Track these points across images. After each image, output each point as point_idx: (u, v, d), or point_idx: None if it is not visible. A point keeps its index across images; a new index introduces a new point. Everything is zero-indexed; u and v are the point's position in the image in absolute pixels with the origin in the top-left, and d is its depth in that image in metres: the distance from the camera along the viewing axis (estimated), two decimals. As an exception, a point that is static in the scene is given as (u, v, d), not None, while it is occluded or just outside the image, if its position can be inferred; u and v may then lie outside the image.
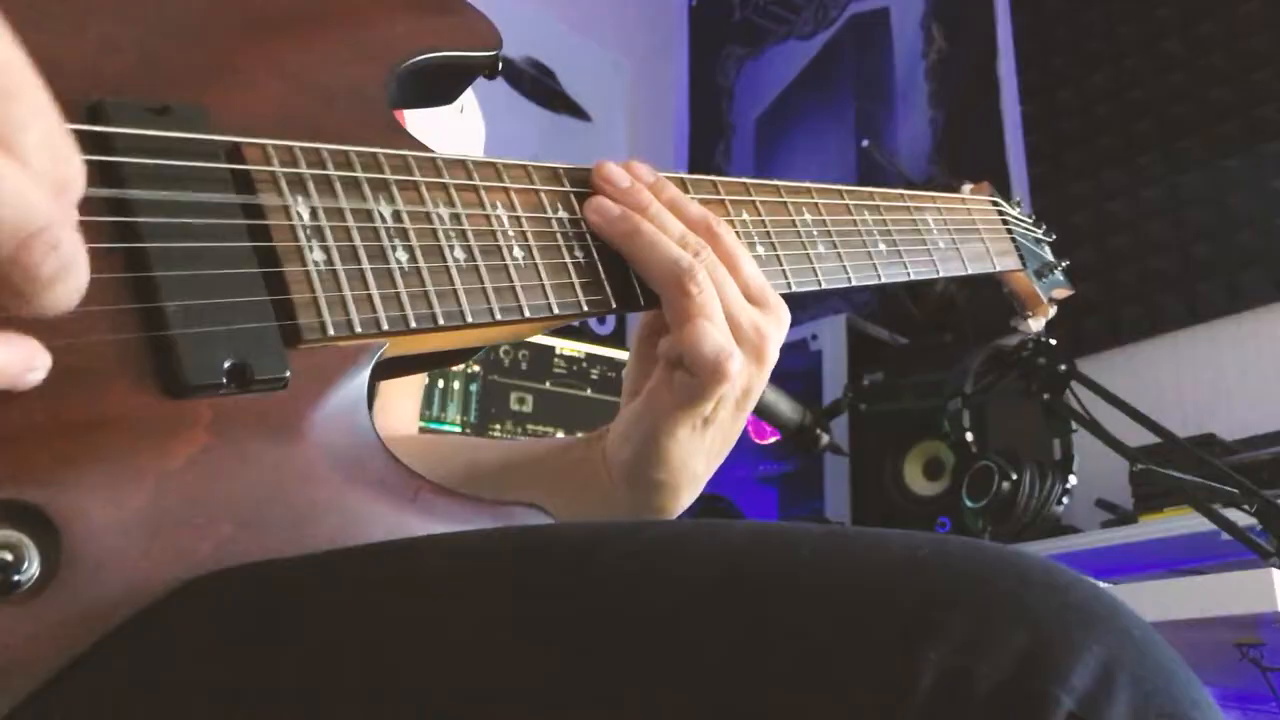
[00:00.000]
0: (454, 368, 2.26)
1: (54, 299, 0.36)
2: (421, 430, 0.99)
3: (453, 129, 0.85)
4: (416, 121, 0.75)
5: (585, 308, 0.61)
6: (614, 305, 0.62)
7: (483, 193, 0.58)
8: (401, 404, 0.89)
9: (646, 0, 3.63)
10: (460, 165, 0.58)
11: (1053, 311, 0.96)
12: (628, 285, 0.64)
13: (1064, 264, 0.99)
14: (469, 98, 0.89)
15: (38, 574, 0.39)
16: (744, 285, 0.66)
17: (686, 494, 0.69)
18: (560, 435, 2.49)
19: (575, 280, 0.60)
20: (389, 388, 0.85)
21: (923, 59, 3.00)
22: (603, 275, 0.62)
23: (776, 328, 0.67)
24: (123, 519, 0.41)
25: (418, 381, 0.93)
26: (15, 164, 0.34)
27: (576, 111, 3.31)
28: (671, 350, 0.64)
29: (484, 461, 0.79)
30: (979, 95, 2.81)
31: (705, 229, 0.66)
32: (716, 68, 3.58)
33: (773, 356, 0.67)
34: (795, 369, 2.47)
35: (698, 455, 0.67)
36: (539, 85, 3.19)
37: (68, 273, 0.36)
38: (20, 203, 0.34)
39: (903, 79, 3.03)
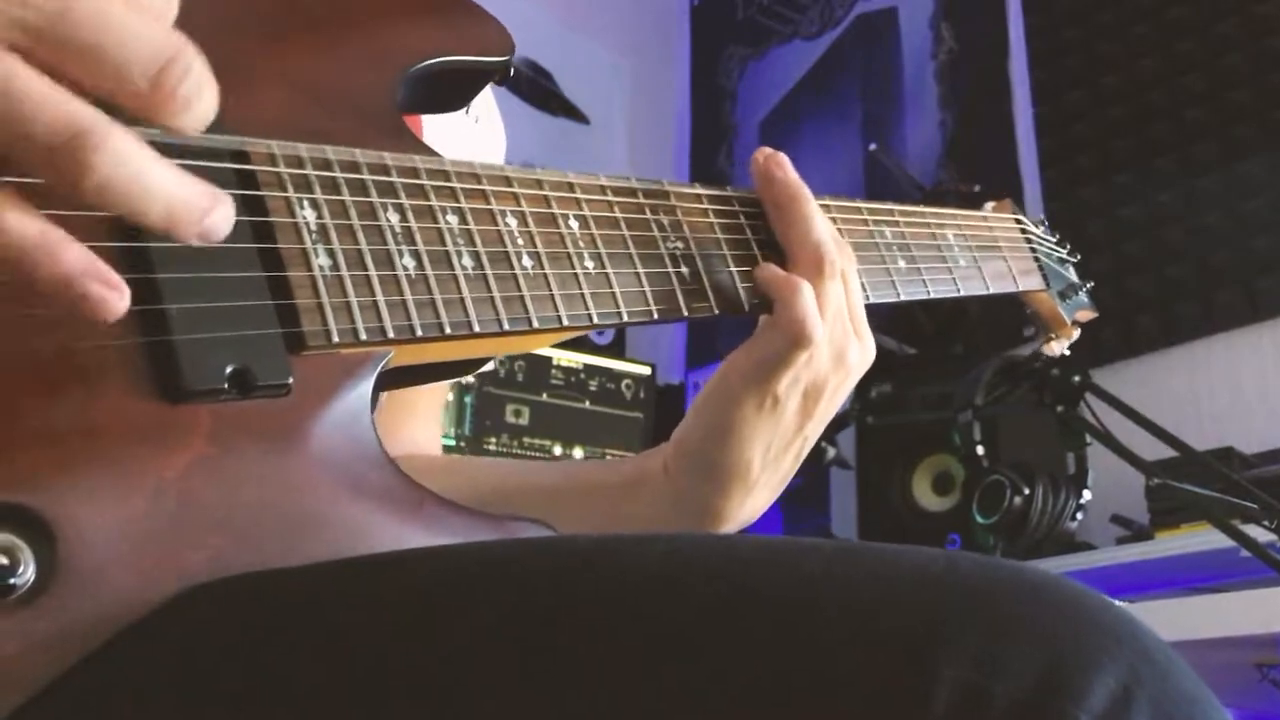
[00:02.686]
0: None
1: (194, 119, 0.39)
2: None
3: (464, 136, 0.85)
4: (433, 130, 0.76)
5: (595, 319, 0.60)
6: (625, 318, 0.62)
7: (492, 200, 0.58)
8: (428, 428, 0.89)
9: None
10: (469, 172, 0.58)
11: (1076, 334, 0.95)
12: (639, 297, 0.63)
13: (1089, 285, 0.97)
14: (490, 107, 0.88)
15: (33, 579, 0.39)
16: (851, 305, 0.70)
17: (737, 491, 0.68)
18: (558, 449, 2.46)
19: (585, 291, 0.60)
20: (412, 410, 0.86)
21: (932, 60, 2.98)
22: (614, 286, 0.62)
23: (860, 354, 0.70)
24: (119, 526, 0.41)
25: (439, 403, 0.93)
26: (134, 7, 0.38)
27: (575, 114, 3.28)
28: (767, 284, 0.67)
29: (522, 484, 0.80)
30: (990, 97, 2.79)
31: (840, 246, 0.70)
32: (719, 69, 3.56)
33: (852, 375, 0.70)
34: (800, 378, 2.45)
35: (757, 440, 0.67)
36: (536, 87, 3.16)
37: (201, 92, 0.39)
38: (149, 38, 0.38)
39: (911, 80, 3.01)
